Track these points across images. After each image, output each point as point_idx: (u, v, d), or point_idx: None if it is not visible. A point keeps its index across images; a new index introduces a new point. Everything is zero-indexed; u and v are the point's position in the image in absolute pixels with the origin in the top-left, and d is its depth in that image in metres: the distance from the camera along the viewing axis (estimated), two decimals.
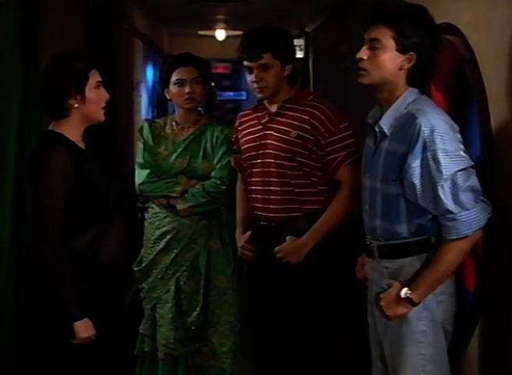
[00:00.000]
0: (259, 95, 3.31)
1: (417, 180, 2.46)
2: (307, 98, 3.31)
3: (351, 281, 3.06)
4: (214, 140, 3.68)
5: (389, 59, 2.55)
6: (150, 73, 10.72)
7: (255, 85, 3.27)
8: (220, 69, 15.87)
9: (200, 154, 3.67)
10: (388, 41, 2.54)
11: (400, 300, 2.51)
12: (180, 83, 3.62)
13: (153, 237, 3.71)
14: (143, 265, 3.74)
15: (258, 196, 3.31)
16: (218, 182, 3.61)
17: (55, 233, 2.62)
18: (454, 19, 2.98)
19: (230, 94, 16.60)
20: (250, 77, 3.29)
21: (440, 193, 2.42)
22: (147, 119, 4.47)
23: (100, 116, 2.81)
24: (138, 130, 3.83)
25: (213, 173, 3.64)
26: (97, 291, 2.72)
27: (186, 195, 3.60)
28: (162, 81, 3.71)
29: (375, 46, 2.56)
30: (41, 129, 3.74)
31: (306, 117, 3.23)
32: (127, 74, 8.48)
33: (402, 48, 2.53)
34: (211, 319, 3.66)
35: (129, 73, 8.74)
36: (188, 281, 3.65)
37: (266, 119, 3.33)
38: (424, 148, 2.43)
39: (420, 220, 2.53)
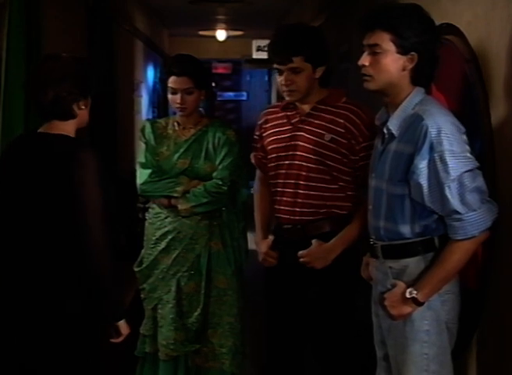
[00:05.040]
0: (288, 98, 3.22)
1: (424, 181, 2.47)
2: (340, 99, 3.22)
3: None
4: (216, 141, 3.67)
5: (391, 63, 2.55)
6: (150, 73, 10.73)
7: (284, 88, 3.18)
8: (220, 69, 15.87)
9: (202, 154, 3.66)
10: (387, 44, 2.54)
11: (404, 299, 2.51)
12: (173, 92, 3.61)
13: (154, 238, 3.70)
14: (143, 265, 3.73)
15: (284, 198, 3.23)
16: (220, 182, 3.61)
17: (106, 235, 2.65)
18: (454, 19, 2.99)
19: (231, 94, 16.59)
20: (279, 79, 3.21)
21: (447, 193, 2.42)
22: (148, 119, 4.46)
23: (87, 121, 2.85)
24: (140, 130, 3.82)
25: (215, 174, 3.63)
26: None
27: (187, 195, 3.60)
28: (163, 82, 3.72)
29: (375, 51, 2.56)
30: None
31: (341, 120, 3.15)
32: (127, 74, 8.49)
33: (402, 50, 2.53)
34: (211, 320, 3.66)
35: (130, 73, 8.75)
36: (189, 282, 3.65)
37: (297, 119, 3.24)
38: (432, 149, 2.44)
39: (425, 221, 2.54)
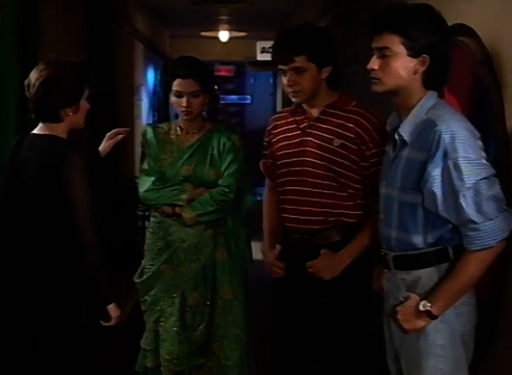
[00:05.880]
0: (293, 100, 3.21)
1: (437, 189, 2.44)
2: (350, 103, 3.19)
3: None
4: (221, 146, 3.65)
5: (401, 66, 2.53)
6: (151, 76, 10.73)
7: (289, 89, 3.17)
8: (223, 71, 15.85)
9: (207, 161, 3.64)
10: (397, 47, 2.52)
11: (418, 313, 2.49)
12: (178, 95, 3.59)
13: (156, 248, 3.68)
14: (144, 277, 3.70)
15: (292, 207, 3.21)
16: (227, 190, 3.59)
17: (93, 226, 2.93)
18: (467, 19, 2.96)
19: (234, 97, 16.55)
20: (283, 80, 3.20)
21: (462, 202, 2.40)
22: (149, 124, 4.44)
23: (83, 123, 3.12)
24: (141, 135, 3.80)
25: (220, 181, 3.61)
26: None
27: (193, 204, 3.58)
28: (165, 86, 3.70)
29: (384, 54, 2.55)
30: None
31: (350, 125, 3.12)
32: (127, 77, 8.49)
33: (413, 53, 2.51)
34: (217, 332, 3.65)
35: (130, 76, 8.75)
36: (193, 293, 3.63)
37: (305, 124, 3.22)
38: (445, 156, 2.41)
39: (439, 231, 2.51)
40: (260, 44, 11.42)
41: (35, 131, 3.04)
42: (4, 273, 3.01)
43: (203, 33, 12.48)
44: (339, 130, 3.13)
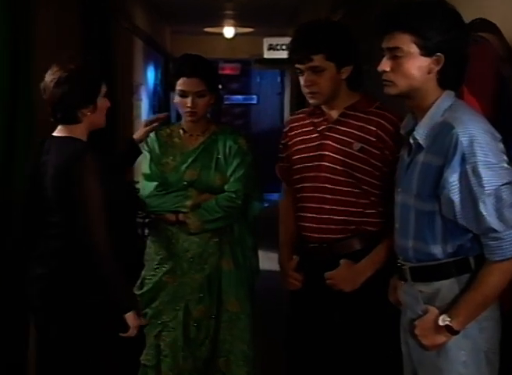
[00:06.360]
0: (311, 101, 3.19)
1: (455, 196, 2.43)
2: (372, 104, 3.15)
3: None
4: (227, 150, 3.66)
5: (414, 66, 2.53)
6: (151, 75, 10.73)
7: (306, 90, 3.15)
8: (228, 70, 15.85)
9: (212, 165, 3.65)
10: (409, 47, 2.52)
11: (437, 328, 2.48)
12: (183, 95, 3.60)
13: (158, 257, 3.69)
14: (145, 288, 3.70)
15: (309, 214, 3.19)
16: (234, 196, 3.60)
17: (106, 232, 2.99)
18: (489, 14, 2.96)
19: (239, 97, 16.54)
20: (300, 80, 3.18)
21: (482, 210, 2.39)
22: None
23: (104, 122, 3.21)
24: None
25: (227, 187, 3.62)
26: None
27: (198, 210, 3.58)
28: (168, 85, 3.71)
29: (396, 55, 2.54)
30: (32, 130, 3.80)
31: (372, 128, 3.10)
32: (126, 76, 8.49)
33: (426, 52, 2.51)
34: (222, 348, 3.65)
35: (129, 75, 8.75)
36: (198, 306, 3.63)
37: (324, 126, 3.20)
38: (463, 161, 2.41)
39: (459, 240, 2.51)
40: (267, 41, 11.42)
41: (54, 133, 3.14)
42: (17, 274, 3.18)
43: (206, 30, 12.49)
44: (360, 133, 3.11)
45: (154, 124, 3.74)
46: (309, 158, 3.20)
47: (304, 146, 3.24)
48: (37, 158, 3.13)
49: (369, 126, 3.10)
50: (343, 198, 3.12)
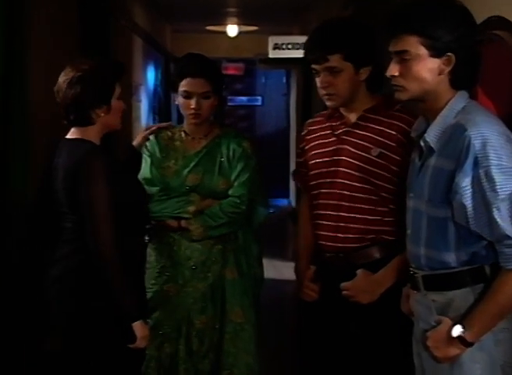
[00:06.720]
0: (328, 103, 3.17)
1: (468, 202, 2.43)
2: (393, 107, 3.11)
3: None
4: (230, 153, 3.67)
5: (424, 69, 2.53)
6: (151, 75, 10.74)
7: (323, 91, 3.13)
8: (231, 70, 15.84)
9: (216, 169, 3.66)
10: (417, 49, 2.52)
11: (450, 339, 2.47)
12: (187, 96, 3.61)
13: (159, 265, 3.69)
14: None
15: (325, 222, 3.17)
16: (238, 201, 3.60)
17: (113, 238, 3.00)
18: (505, 11, 2.96)
19: (243, 98, 16.53)
20: (317, 82, 3.15)
21: (496, 216, 2.39)
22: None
23: (119, 124, 3.25)
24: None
25: (231, 191, 3.63)
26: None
27: (201, 216, 3.59)
28: (170, 85, 3.71)
29: (404, 58, 2.54)
30: (27, 131, 3.83)
31: (393, 132, 3.07)
32: (125, 76, 8.49)
33: (436, 52, 2.50)
34: (226, 360, 3.65)
35: (128, 75, 8.76)
36: (201, 316, 3.64)
37: (342, 130, 3.18)
38: (476, 165, 2.40)
39: (473, 247, 2.50)
40: (272, 40, 11.38)
41: (67, 136, 3.17)
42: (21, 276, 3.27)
43: (208, 28, 12.50)
44: (379, 138, 3.08)
45: (153, 129, 3.75)
46: (325, 163, 3.19)
47: (320, 151, 3.23)
48: (50, 162, 3.16)
49: (389, 131, 3.08)
50: (361, 205, 3.10)
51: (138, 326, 3.06)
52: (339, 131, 3.19)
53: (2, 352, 3.90)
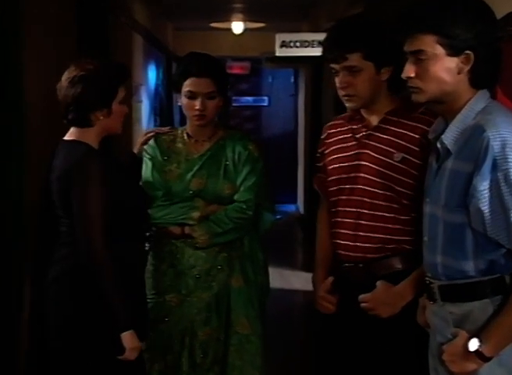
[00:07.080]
0: (347, 105, 3.15)
1: (485, 207, 2.43)
2: (417, 109, 3.05)
3: None
4: (236, 157, 3.66)
5: (442, 69, 2.52)
6: (152, 75, 10.75)
7: (342, 92, 3.12)
8: (237, 69, 15.84)
9: (220, 173, 3.65)
10: (434, 48, 2.51)
11: (467, 353, 2.46)
12: (191, 96, 3.60)
13: (160, 275, 3.67)
14: None
15: (344, 231, 3.15)
16: (244, 206, 3.60)
17: (104, 241, 3.04)
18: None
19: (249, 99, 16.54)
20: (336, 82, 3.13)
21: None
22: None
23: (119, 128, 3.32)
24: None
25: (237, 196, 3.63)
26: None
27: (206, 223, 3.59)
28: (173, 85, 3.71)
29: (420, 58, 2.54)
30: (22, 131, 3.84)
31: (416, 136, 3.04)
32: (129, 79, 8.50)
33: (453, 51, 2.50)
34: (231, 374, 3.63)
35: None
36: (205, 327, 3.63)
37: (362, 133, 3.16)
38: (494, 168, 2.40)
39: (491, 255, 2.49)
40: (279, 38, 11.37)
41: (65, 137, 3.23)
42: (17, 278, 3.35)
43: (213, 25, 12.50)
44: (402, 142, 3.06)
45: (151, 134, 3.75)
46: (345, 168, 3.17)
47: (340, 155, 3.21)
48: (50, 163, 3.20)
49: (413, 134, 3.05)
50: (382, 213, 3.08)
51: (127, 337, 3.08)
52: (360, 135, 3.17)
53: (2, 352, 3.94)
